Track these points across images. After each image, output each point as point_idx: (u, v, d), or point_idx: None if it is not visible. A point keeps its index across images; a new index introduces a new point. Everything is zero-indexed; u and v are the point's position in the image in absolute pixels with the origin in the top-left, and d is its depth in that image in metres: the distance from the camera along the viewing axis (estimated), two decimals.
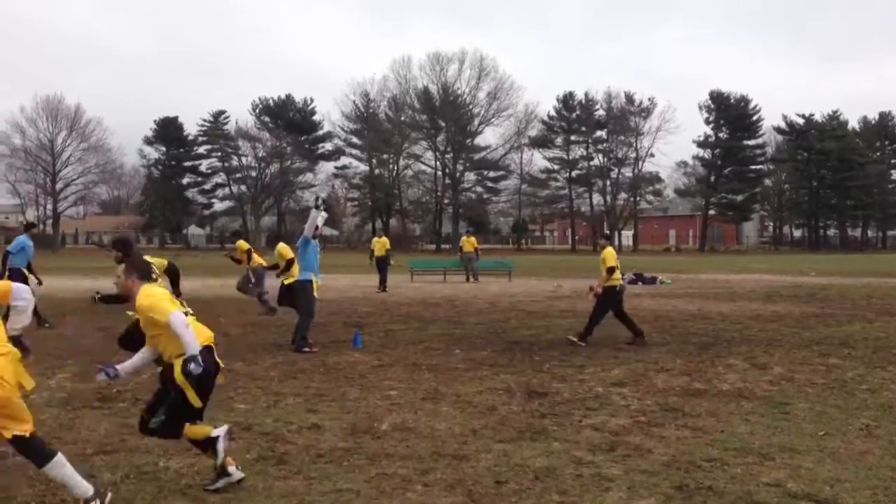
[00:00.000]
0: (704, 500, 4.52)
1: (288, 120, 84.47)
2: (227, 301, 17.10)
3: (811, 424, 6.32)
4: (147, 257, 8.28)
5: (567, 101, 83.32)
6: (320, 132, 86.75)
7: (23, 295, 4.58)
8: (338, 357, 9.69)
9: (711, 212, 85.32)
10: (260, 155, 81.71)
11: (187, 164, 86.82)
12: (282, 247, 13.48)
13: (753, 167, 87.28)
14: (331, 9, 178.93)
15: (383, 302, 17.98)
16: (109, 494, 4.35)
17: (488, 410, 6.80)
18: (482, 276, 27.33)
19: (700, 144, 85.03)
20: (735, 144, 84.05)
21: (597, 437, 5.89)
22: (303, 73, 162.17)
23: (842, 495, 4.59)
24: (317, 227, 10.57)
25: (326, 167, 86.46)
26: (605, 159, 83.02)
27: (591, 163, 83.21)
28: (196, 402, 4.65)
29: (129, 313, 5.81)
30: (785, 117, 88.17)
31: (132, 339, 6.54)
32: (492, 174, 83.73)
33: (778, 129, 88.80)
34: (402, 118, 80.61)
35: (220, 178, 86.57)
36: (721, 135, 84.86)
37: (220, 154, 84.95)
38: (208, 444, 4.68)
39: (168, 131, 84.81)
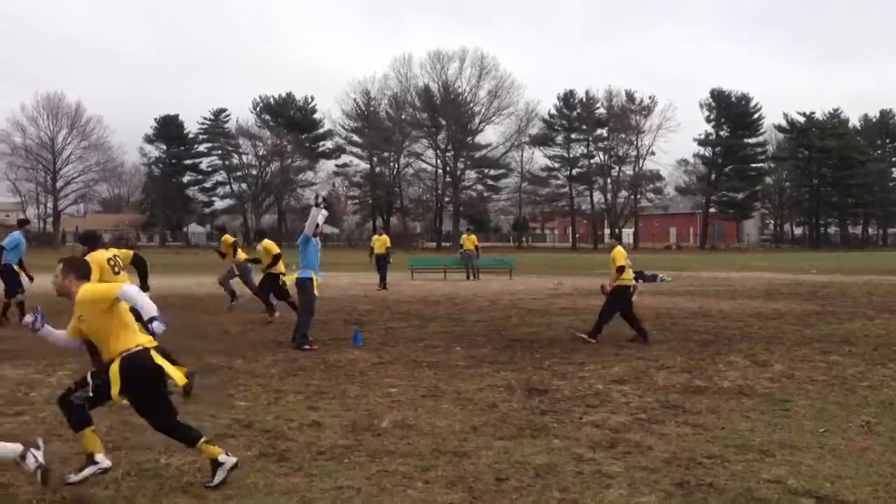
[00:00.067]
0: (705, 496, 4.52)
1: (288, 118, 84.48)
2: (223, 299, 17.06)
3: (812, 421, 6.32)
4: (112, 250, 8.29)
5: (568, 99, 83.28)
6: (321, 130, 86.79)
7: None
8: (338, 354, 9.69)
9: (712, 210, 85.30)
10: (260, 153, 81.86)
11: (188, 162, 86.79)
12: (266, 243, 13.57)
13: (754, 165, 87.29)
14: (331, 9, 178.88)
15: (384, 300, 17.98)
16: (41, 441, 4.55)
17: (489, 407, 6.80)
18: (483, 273, 27.34)
19: (701, 142, 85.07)
20: (736, 142, 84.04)
21: (597, 434, 5.89)
22: (303, 73, 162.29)
23: (842, 492, 4.59)
24: (318, 226, 10.56)
25: (327, 165, 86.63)
26: (606, 157, 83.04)
27: (592, 161, 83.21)
28: (115, 397, 4.60)
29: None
30: (786, 115, 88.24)
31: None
32: (492, 172, 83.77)
33: (779, 128, 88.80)
34: (403, 116, 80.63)
35: (220, 176, 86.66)
36: (722, 133, 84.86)
37: (220, 152, 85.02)
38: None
39: (168, 129, 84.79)
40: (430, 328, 12.50)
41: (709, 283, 24.22)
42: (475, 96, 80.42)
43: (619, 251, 11.26)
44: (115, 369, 4.59)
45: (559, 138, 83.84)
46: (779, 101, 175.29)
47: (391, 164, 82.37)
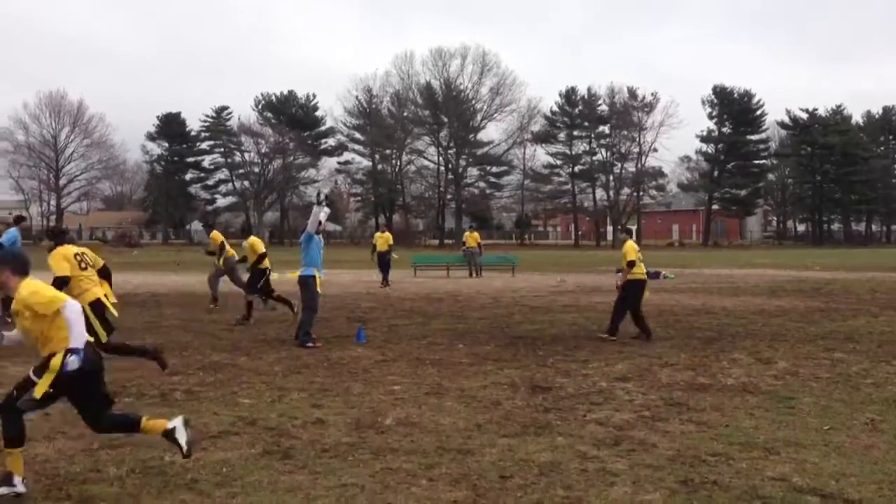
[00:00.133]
0: (709, 494, 4.51)
1: (290, 116, 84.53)
2: (224, 296, 17.08)
3: (816, 419, 6.31)
4: (82, 248, 8.31)
5: (570, 96, 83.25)
6: (323, 128, 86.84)
7: None
8: (341, 352, 9.70)
9: (715, 206, 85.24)
10: (263, 151, 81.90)
11: (190, 159, 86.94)
12: (252, 240, 13.61)
13: (757, 162, 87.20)
14: (331, 9, 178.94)
15: (386, 297, 17.99)
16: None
17: (492, 405, 6.79)
18: (485, 271, 27.33)
19: (703, 139, 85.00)
20: (738, 139, 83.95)
21: (601, 432, 5.89)
22: (304, 72, 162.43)
23: (847, 489, 4.58)
24: (320, 223, 10.57)
25: (329, 163, 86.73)
26: (608, 154, 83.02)
27: (594, 158, 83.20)
28: (39, 392, 4.47)
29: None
30: (788, 112, 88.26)
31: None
32: (494, 169, 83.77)
33: (781, 124, 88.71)
34: (405, 113, 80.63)
35: (222, 173, 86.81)
36: (724, 129, 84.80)
37: (222, 150, 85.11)
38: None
39: (171, 127, 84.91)
40: (433, 326, 12.50)
41: (712, 280, 24.19)
42: (477, 93, 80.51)
43: (630, 245, 11.20)
44: (55, 361, 4.47)
45: (561, 135, 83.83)
46: (779, 101, 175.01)
47: (393, 161, 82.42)
